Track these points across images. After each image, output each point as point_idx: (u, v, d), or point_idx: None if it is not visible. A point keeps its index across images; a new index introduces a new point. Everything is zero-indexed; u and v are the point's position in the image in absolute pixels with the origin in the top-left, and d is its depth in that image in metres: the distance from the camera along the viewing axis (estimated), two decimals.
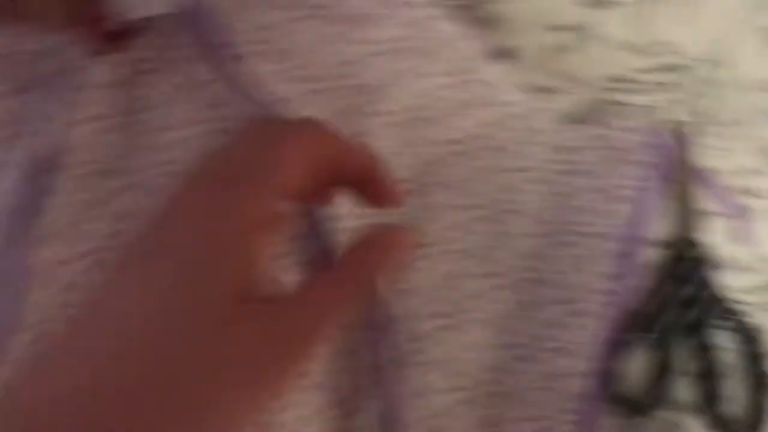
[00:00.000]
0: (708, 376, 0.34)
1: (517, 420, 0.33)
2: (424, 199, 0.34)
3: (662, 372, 0.34)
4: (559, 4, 0.38)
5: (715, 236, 0.35)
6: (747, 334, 0.34)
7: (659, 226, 0.35)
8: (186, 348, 0.20)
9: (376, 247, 0.24)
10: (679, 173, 0.36)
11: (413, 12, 0.35)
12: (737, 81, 0.37)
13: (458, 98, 0.35)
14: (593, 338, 0.33)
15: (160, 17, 0.31)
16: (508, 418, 0.33)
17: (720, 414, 0.33)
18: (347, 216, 0.32)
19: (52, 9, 0.30)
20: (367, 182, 0.26)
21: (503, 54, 0.37)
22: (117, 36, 0.31)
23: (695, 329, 0.35)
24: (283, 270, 0.31)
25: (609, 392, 0.33)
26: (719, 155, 0.37)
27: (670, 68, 0.37)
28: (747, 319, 0.34)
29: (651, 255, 0.35)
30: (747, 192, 0.36)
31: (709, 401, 0.34)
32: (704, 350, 0.34)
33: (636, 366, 0.34)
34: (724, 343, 0.34)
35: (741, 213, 0.36)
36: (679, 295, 0.35)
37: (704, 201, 0.36)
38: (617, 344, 0.34)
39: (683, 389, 0.34)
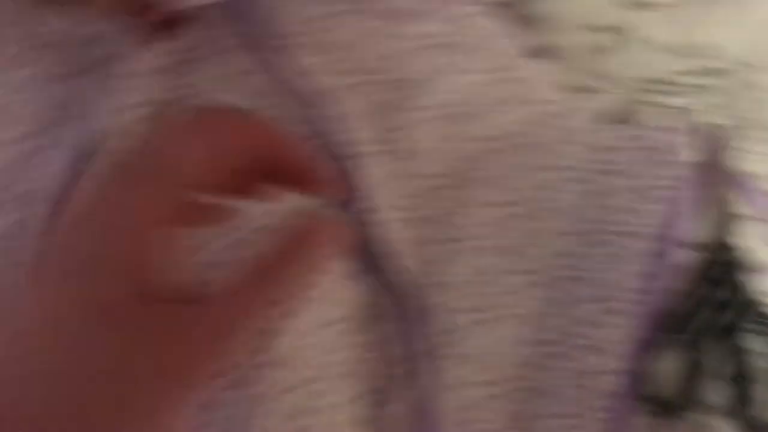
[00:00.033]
0: (740, 380, 0.34)
1: (547, 416, 0.33)
2: (460, 195, 0.35)
3: (694, 374, 0.34)
4: (599, 5, 0.38)
5: (751, 240, 0.35)
6: None
7: (695, 228, 0.35)
8: (82, 355, 0.20)
9: (305, 243, 0.22)
10: (715, 176, 0.36)
11: (454, 8, 0.36)
12: None
13: (497, 95, 0.36)
14: (626, 337, 0.33)
15: (207, 7, 0.32)
16: (539, 414, 0.33)
17: (751, 417, 0.33)
18: (388, 210, 0.33)
19: None
20: (297, 171, 0.24)
21: (543, 52, 0.37)
22: (165, 24, 0.32)
23: (728, 332, 0.34)
24: None
25: (640, 392, 0.33)
26: (757, 159, 0.36)
27: (710, 71, 0.37)
28: None
29: (686, 256, 0.35)
30: None
31: (740, 404, 0.34)
32: (737, 353, 0.34)
33: (668, 367, 0.34)
34: (757, 347, 0.34)
35: None
36: (713, 297, 0.35)
37: (740, 204, 0.36)
38: (650, 344, 0.34)
39: (715, 392, 0.34)
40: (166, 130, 0.22)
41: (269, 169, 0.23)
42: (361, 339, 0.32)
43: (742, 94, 0.37)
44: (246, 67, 0.32)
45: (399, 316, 0.32)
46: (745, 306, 0.35)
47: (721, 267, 0.35)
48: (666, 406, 0.33)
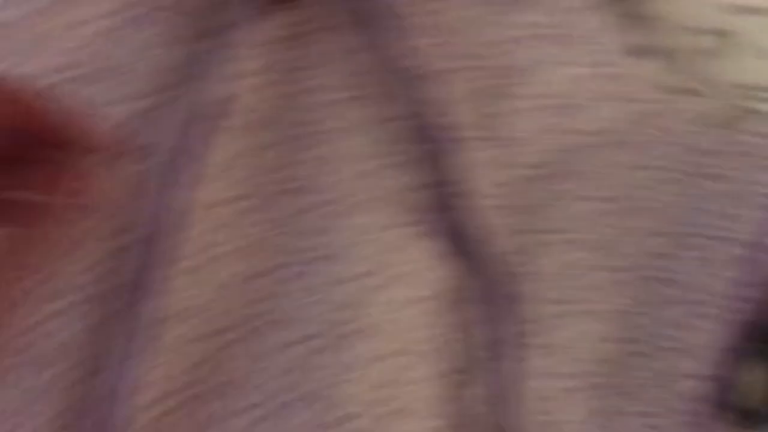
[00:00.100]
0: None
1: (627, 414, 0.33)
2: (554, 187, 0.35)
3: None
4: (707, 8, 0.37)
5: None
6: None
7: None
8: None
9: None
10: None
11: (562, 0, 0.36)
12: None
13: (599, 90, 0.36)
14: (714, 342, 0.33)
15: None
16: (618, 412, 0.33)
17: None
18: (482, 196, 0.33)
19: None
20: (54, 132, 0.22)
21: (647, 52, 0.37)
22: None
23: None
24: (411, 243, 0.32)
25: (724, 400, 0.33)
26: None
27: None
28: None
29: None
30: None
31: None
32: None
33: (754, 377, 0.33)
34: None
35: None
36: None
37: None
38: (737, 352, 0.33)
39: None
40: None
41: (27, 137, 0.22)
42: (447, 320, 0.32)
43: None
44: (352, 45, 0.33)
45: (486, 300, 0.32)
46: None
47: None
48: (749, 416, 0.33)
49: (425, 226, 0.32)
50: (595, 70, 0.36)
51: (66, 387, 0.29)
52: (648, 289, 0.34)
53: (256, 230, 0.31)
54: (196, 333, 0.30)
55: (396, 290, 0.31)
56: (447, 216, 0.33)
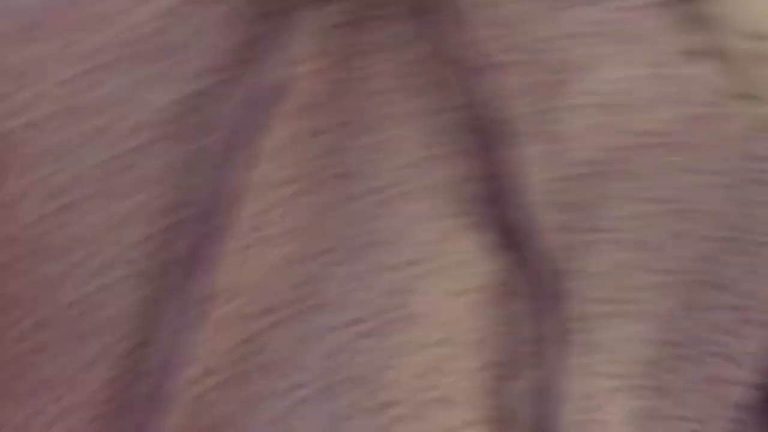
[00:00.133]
0: None
1: (669, 417, 0.33)
2: (605, 186, 0.34)
3: None
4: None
5: None
6: None
7: None
8: None
9: None
10: None
11: None
12: None
13: (654, 91, 0.35)
14: (761, 350, 0.33)
15: None
16: (660, 415, 0.33)
17: None
18: (532, 191, 0.33)
19: None
20: None
21: (705, 54, 0.37)
22: None
23: None
24: (460, 234, 0.32)
25: None
26: None
27: None
28: None
29: None
30: None
31: None
32: None
33: None
34: None
35: None
36: None
37: None
38: None
39: None
40: None
41: None
42: (493, 312, 0.32)
43: None
44: (410, 34, 0.33)
45: (532, 296, 0.32)
46: None
47: None
48: None
49: (475, 218, 0.32)
50: (651, 71, 0.35)
51: (114, 359, 0.29)
52: (695, 293, 0.34)
53: (306, 214, 0.31)
54: (243, 312, 0.30)
55: (443, 280, 0.31)
56: (497, 209, 0.32)
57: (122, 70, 0.31)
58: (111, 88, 0.31)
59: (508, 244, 0.32)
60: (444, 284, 0.31)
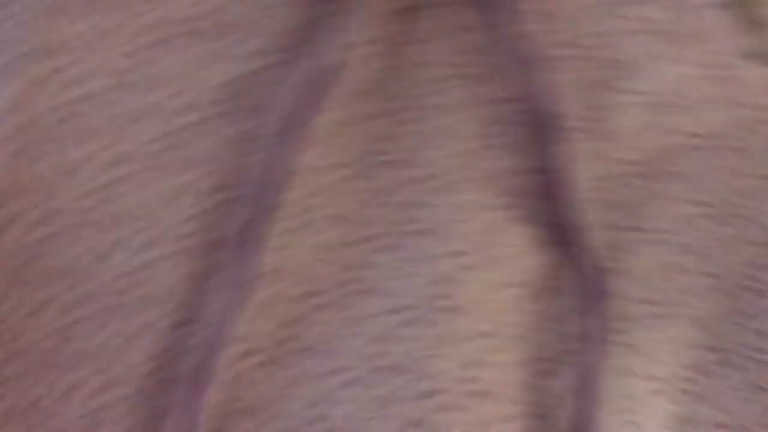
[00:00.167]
0: None
1: (707, 423, 0.32)
2: (653, 186, 0.34)
3: None
4: None
5: None
6: None
7: None
8: None
9: None
10: None
11: None
12: None
13: (710, 92, 0.35)
14: None
15: None
16: (700, 420, 0.32)
17: None
18: (580, 188, 0.32)
19: None
20: None
21: (762, 56, 0.36)
22: None
23: None
24: (507, 227, 0.32)
25: None
26: None
27: None
28: None
29: None
30: None
31: None
32: None
33: None
34: None
35: None
36: None
37: None
38: None
39: None
40: None
41: None
42: (537, 308, 0.32)
43: None
44: (465, 22, 0.33)
45: (576, 293, 0.32)
46: None
47: None
48: None
49: (523, 212, 0.32)
50: (705, 71, 0.35)
51: (157, 334, 0.29)
52: (741, 298, 0.33)
53: (353, 199, 0.31)
54: (286, 294, 0.30)
55: (488, 272, 0.31)
56: (545, 204, 0.32)
57: (180, 46, 0.31)
58: (168, 64, 0.31)
59: (554, 240, 0.32)
60: (489, 276, 0.31)
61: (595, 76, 0.34)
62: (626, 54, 0.34)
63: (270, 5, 0.32)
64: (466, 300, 0.30)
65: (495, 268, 0.31)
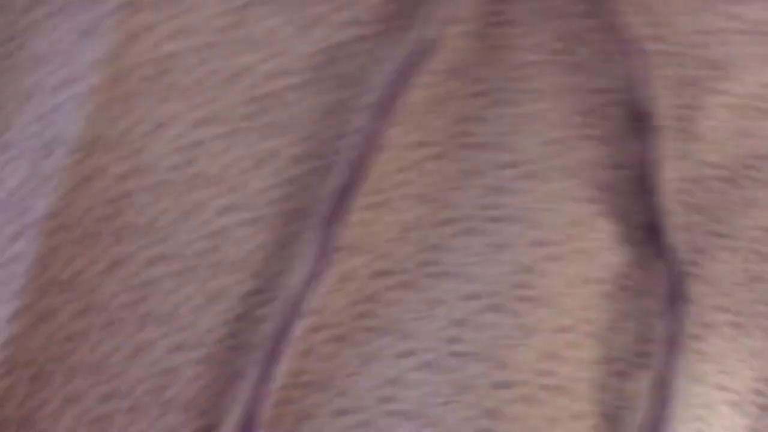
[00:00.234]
0: None
1: None
2: (740, 192, 0.33)
3: None
4: None
5: None
6: None
7: None
8: None
9: None
10: None
11: None
12: None
13: None
14: None
15: None
16: None
17: None
18: (666, 188, 0.31)
19: None
20: None
21: None
22: None
23: None
24: (594, 220, 0.31)
25: None
26: None
27: None
28: None
29: None
30: None
31: None
32: None
33: None
34: None
35: None
36: None
37: None
38: None
39: None
40: None
41: None
42: (617, 307, 0.31)
43: None
44: (567, 9, 0.32)
45: (656, 294, 0.31)
46: None
47: None
48: None
49: (608, 207, 0.31)
50: None
51: (231, 301, 0.29)
52: None
53: (435, 180, 0.31)
54: (363, 270, 0.30)
55: (572, 265, 0.30)
56: (631, 201, 0.31)
57: (273, 11, 0.30)
58: (259, 29, 0.31)
59: (637, 239, 0.31)
60: (570, 270, 0.30)
61: (688, 74, 0.33)
62: (726, 54, 0.33)
63: None
64: (547, 292, 0.30)
65: (577, 261, 0.30)
